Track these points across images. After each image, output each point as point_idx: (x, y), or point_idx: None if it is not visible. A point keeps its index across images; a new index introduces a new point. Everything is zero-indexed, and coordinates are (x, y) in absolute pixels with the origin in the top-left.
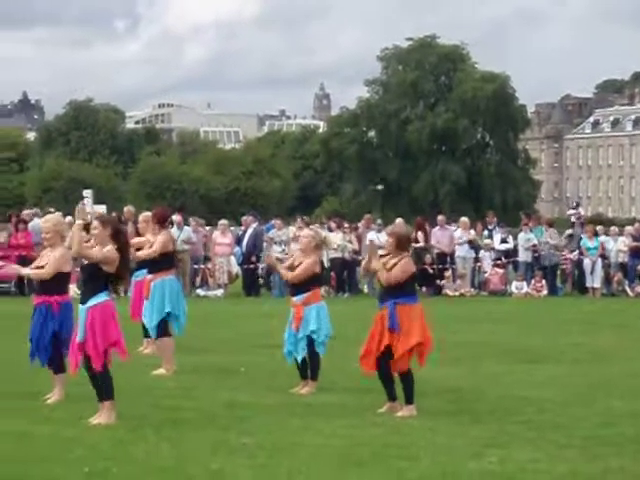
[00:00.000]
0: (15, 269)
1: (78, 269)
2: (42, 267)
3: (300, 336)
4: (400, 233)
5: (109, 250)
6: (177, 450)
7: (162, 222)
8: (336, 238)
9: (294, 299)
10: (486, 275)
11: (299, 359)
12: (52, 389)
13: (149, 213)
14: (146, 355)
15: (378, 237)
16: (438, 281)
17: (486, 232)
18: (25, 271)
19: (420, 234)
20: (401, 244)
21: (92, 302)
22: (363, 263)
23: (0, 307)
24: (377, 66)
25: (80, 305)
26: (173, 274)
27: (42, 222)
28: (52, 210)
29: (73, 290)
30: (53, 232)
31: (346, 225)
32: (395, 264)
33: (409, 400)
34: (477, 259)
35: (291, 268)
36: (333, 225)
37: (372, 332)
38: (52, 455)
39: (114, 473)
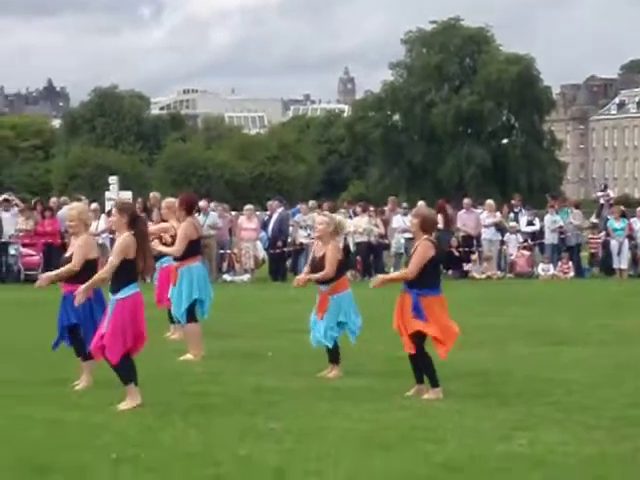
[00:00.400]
0: (47, 278)
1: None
2: (69, 258)
3: (331, 325)
4: (425, 215)
5: (123, 239)
6: (204, 436)
7: (189, 209)
8: (361, 222)
9: (320, 287)
10: (512, 257)
11: (330, 345)
12: (80, 376)
13: (172, 199)
14: (173, 341)
15: (404, 220)
16: (464, 264)
17: (512, 214)
18: (54, 274)
19: (440, 217)
20: (425, 226)
21: (121, 294)
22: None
23: (27, 294)
24: (401, 49)
25: (110, 294)
26: (199, 260)
27: (67, 210)
28: (81, 197)
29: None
30: (78, 220)
31: (372, 209)
32: (416, 249)
33: (433, 383)
34: (503, 242)
35: (313, 261)
36: (358, 209)
37: (396, 316)
38: (80, 441)
39: (142, 459)
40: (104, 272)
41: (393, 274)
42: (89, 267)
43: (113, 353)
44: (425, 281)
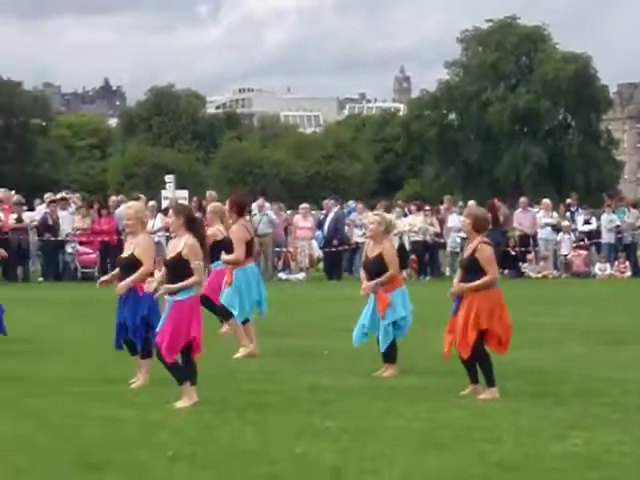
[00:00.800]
0: (125, 286)
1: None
2: (129, 257)
3: (387, 323)
4: (477, 214)
5: (194, 243)
6: (261, 434)
7: (240, 211)
8: (416, 221)
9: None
10: (569, 257)
11: (384, 347)
12: (136, 374)
13: (217, 204)
14: (225, 336)
15: (459, 219)
16: (520, 263)
17: (569, 214)
18: (130, 280)
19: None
20: (478, 225)
21: (179, 296)
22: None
23: (84, 292)
24: (457, 48)
25: (167, 296)
26: (252, 261)
27: (125, 208)
28: (140, 196)
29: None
30: (135, 219)
31: (427, 208)
32: (474, 249)
33: (490, 383)
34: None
35: (366, 261)
36: (413, 208)
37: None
38: (137, 439)
39: (198, 457)
40: (198, 278)
41: (474, 283)
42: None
43: (169, 353)
44: (480, 276)
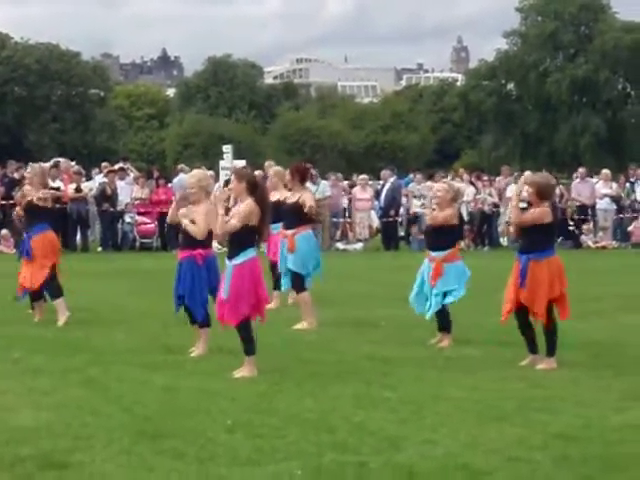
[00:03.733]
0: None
1: None
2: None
3: (436, 292)
4: (540, 182)
5: (247, 205)
6: (319, 403)
7: (303, 178)
8: (468, 191)
9: (433, 254)
10: (629, 228)
11: (429, 315)
12: (195, 343)
13: (280, 168)
14: (277, 309)
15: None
16: (578, 233)
17: (628, 185)
18: (184, 221)
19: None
20: (541, 193)
21: (239, 259)
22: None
23: (143, 262)
24: (516, 18)
25: (227, 261)
26: (310, 228)
27: (187, 177)
28: (200, 166)
29: (214, 245)
30: (198, 188)
31: (485, 178)
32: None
33: (552, 352)
34: (619, 211)
35: (427, 229)
36: (466, 178)
37: (509, 283)
38: (196, 408)
39: (257, 425)
40: (223, 228)
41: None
42: (208, 236)
43: (234, 317)
44: (538, 244)
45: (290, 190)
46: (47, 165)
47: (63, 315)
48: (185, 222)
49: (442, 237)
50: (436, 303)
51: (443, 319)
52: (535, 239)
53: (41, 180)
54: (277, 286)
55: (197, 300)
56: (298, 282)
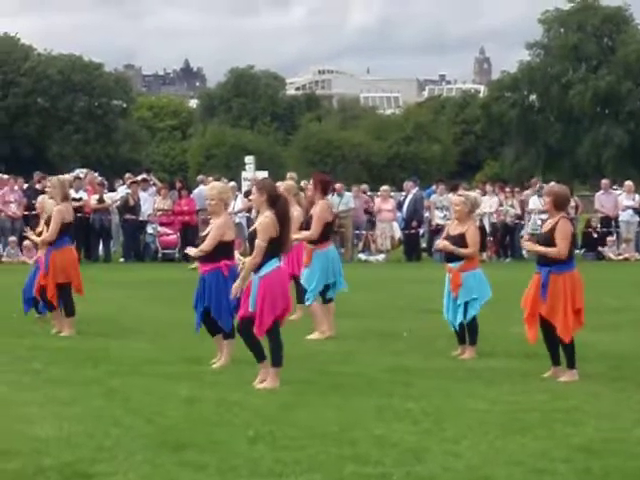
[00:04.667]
0: (193, 252)
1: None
2: (204, 237)
3: (459, 302)
4: (558, 192)
5: (266, 217)
6: (341, 414)
7: (324, 190)
8: (492, 202)
9: (450, 265)
10: None
11: (456, 325)
12: (216, 354)
13: (291, 183)
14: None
15: (540, 202)
16: (600, 246)
17: None
18: (192, 252)
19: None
20: (559, 203)
21: (264, 271)
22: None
23: (165, 273)
24: (538, 29)
25: (252, 274)
26: (332, 243)
27: (207, 189)
28: (220, 177)
29: (237, 257)
30: (218, 200)
31: (507, 189)
32: (553, 227)
33: (572, 365)
34: None
35: (447, 237)
36: (489, 189)
37: (526, 296)
38: (217, 419)
39: (278, 437)
40: (255, 257)
41: (543, 248)
42: (224, 248)
43: (260, 329)
44: (558, 259)
45: (301, 206)
46: (68, 177)
47: (69, 329)
48: (193, 252)
49: (460, 246)
50: (460, 314)
51: (472, 332)
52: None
53: (62, 192)
54: (300, 299)
55: (224, 311)
56: (303, 295)
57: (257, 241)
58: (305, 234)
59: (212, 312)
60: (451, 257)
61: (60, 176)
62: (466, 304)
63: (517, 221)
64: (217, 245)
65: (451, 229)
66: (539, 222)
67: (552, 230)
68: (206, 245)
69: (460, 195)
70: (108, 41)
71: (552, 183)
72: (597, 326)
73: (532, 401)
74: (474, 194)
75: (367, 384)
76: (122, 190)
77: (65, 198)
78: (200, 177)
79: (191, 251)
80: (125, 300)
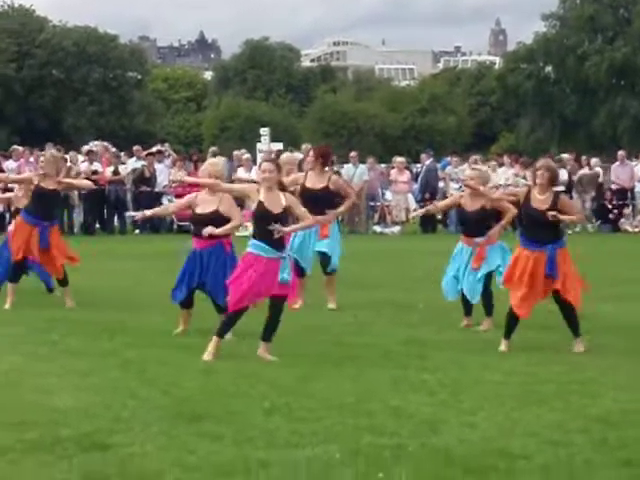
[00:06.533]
0: (216, 231)
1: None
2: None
3: (479, 276)
4: (555, 168)
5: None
6: (357, 386)
7: (325, 161)
8: (508, 174)
9: (476, 239)
10: None
11: (475, 300)
12: (179, 324)
13: (291, 154)
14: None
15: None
16: (616, 217)
17: None
18: (218, 231)
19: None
20: (554, 178)
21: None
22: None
23: (180, 245)
24: (554, 0)
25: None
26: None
27: (209, 165)
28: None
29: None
30: (214, 177)
31: (521, 160)
32: (555, 201)
33: (577, 332)
34: None
35: (464, 215)
36: (507, 160)
37: (520, 274)
38: (234, 390)
39: (294, 408)
40: (310, 221)
41: (568, 217)
42: (224, 223)
43: (232, 302)
44: (560, 233)
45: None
46: (59, 153)
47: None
48: (220, 231)
49: (483, 223)
50: (480, 288)
51: (488, 304)
52: (559, 228)
53: (55, 168)
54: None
55: (221, 287)
56: (327, 262)
57: (303, 210)
58: (339, 209)
59: (209, 288)
60: (477, 231)
61: (54, 151)
62: (487, 275)
63: None
64: (222, 218)
65: (467, 205)
66: None
67: (554, 205)
68: (238, 223)
69: (473, 169)
70: (122, 12)
71: (564, 155)
72: (613, 297)
73: (548, 372)
74: (485, 167)
75: (382, 355)
76: (131, 163)
77: (57, 174)
78: (212, 149)
79: (214, 231)
80: (141, 272)
